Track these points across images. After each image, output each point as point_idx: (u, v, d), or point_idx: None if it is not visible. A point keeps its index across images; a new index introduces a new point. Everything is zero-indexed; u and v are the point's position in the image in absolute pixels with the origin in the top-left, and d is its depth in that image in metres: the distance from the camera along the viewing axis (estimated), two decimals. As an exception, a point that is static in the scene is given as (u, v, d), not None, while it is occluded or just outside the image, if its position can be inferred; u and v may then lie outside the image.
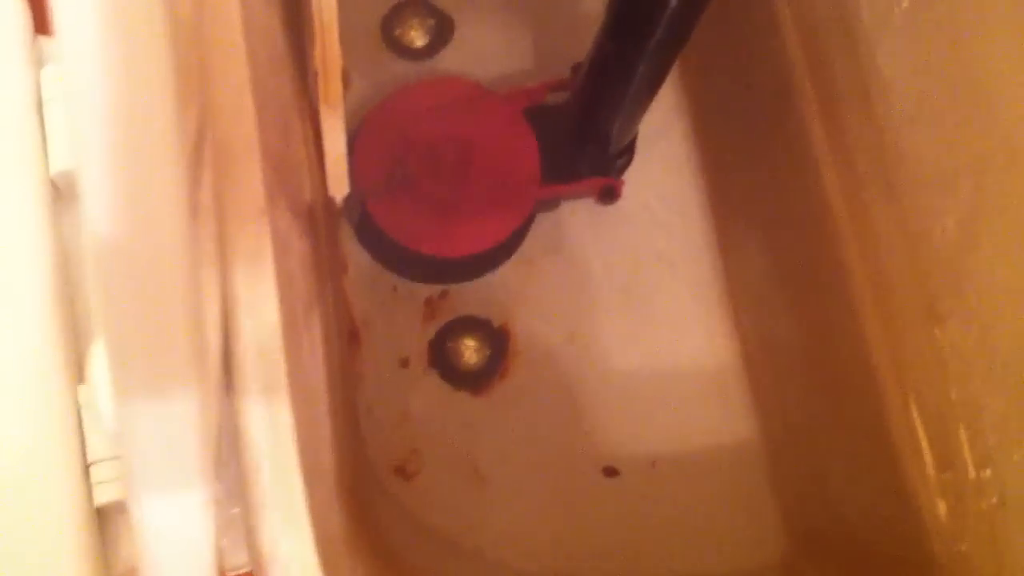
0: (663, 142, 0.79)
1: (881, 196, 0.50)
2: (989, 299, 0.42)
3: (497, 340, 0.74)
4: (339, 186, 0.55)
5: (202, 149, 0.27)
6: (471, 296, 0.75)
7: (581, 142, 0.73)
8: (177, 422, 0.25)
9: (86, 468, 0.49)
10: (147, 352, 0.25)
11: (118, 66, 0.20)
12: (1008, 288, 0.40)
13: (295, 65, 0.48)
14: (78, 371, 0.52)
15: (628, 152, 0.76)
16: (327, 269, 0.52)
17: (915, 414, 0.48)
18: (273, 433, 0.28)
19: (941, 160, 0.44)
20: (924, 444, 0.48)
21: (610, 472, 0.73)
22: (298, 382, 0.31)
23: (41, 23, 0.58)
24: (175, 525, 0.27)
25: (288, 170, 0.39)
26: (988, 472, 0.43)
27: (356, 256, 0.75)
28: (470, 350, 0.74)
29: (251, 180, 0.27)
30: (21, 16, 0.56)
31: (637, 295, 0.76)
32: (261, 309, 0.28)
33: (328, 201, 0.58)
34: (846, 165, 0.54)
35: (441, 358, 0.74)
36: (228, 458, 0.30)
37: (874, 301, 0.51)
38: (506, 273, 0.76)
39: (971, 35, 0.41)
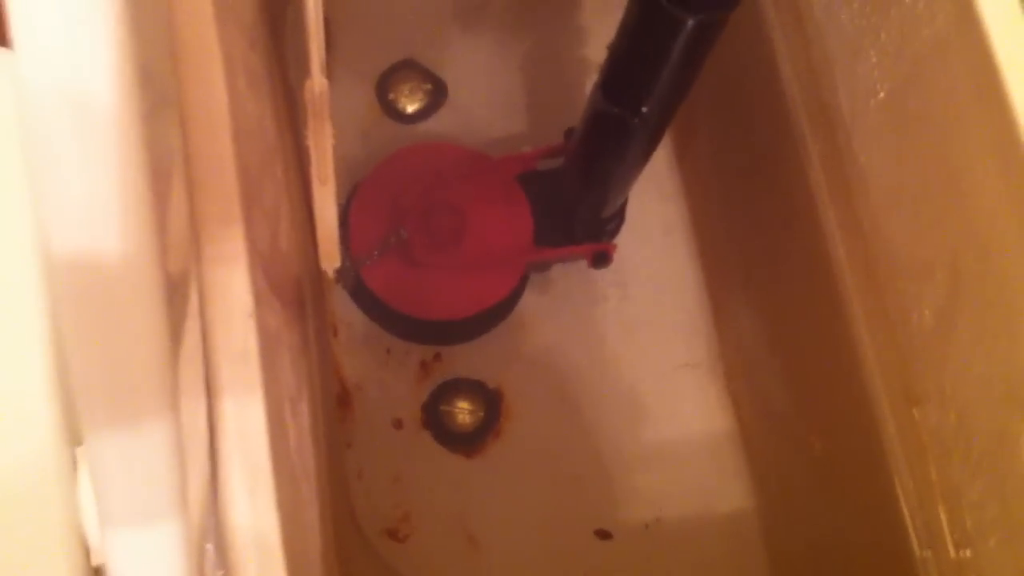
0: (654, 206, 0.81)
1: (862, 280, 0.51)
2: (965, 387, 0.42)
3: (491, 402, 0.75)
4: (331, 259, 0.56)
5: (170, 184, 0.28)
6: (465, 358, 0.76)
7: (574, 207, 0.74)
8: (148, 453, 0.26)
9: (83, 529, 0.49)
10: (113, 380, 0.25)
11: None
12: (983, 378, 0.41)
13: (287, 148, 0.49)
14: (76, 431, 0.52)
15: (619, 216, 0.77)
16: (316, 345, 0.53)
17: (899, 492, 0.49)
18: (258, 533, 0.29)
19: (917, 249, 0.45)
20: (908, 521, 0.49)
21: (603, 535, 0.73)
22: (283, 472, 0.32)
23: None
24: (146, 559, 0.27)
25: (278, 261, 0.39)
26: (967, 552, 0.44)
27: (348, 319, 0.76)
28: (464, 412, 0.75)
29: (238, 287, 0.28)
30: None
31: (629, 359, 0.77)
32: (247, 415, 0.28)
33: (319, 272, 0.59)
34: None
35: (434, 420, 0.74)
36: (215, 548, 0.31)
37: (858, 379, 0.52)
38: (500, 335, 0.77)
39: (943, 129, 0.42)
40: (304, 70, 0.52)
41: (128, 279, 0.22)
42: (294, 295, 0.45)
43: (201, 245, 0.28)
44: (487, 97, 0.83)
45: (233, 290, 0.28)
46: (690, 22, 0.46)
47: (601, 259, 0.77)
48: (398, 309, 0.73)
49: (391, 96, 0.83)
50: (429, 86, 0.83)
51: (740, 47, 0.57)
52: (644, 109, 0.54)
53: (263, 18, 0.53)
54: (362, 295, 0.75)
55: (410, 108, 0.83)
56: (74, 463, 0.51)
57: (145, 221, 0.22)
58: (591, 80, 0.80)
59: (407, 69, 0.83)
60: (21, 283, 0.53)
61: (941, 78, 0.42)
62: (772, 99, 0.57)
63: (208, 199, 0.29)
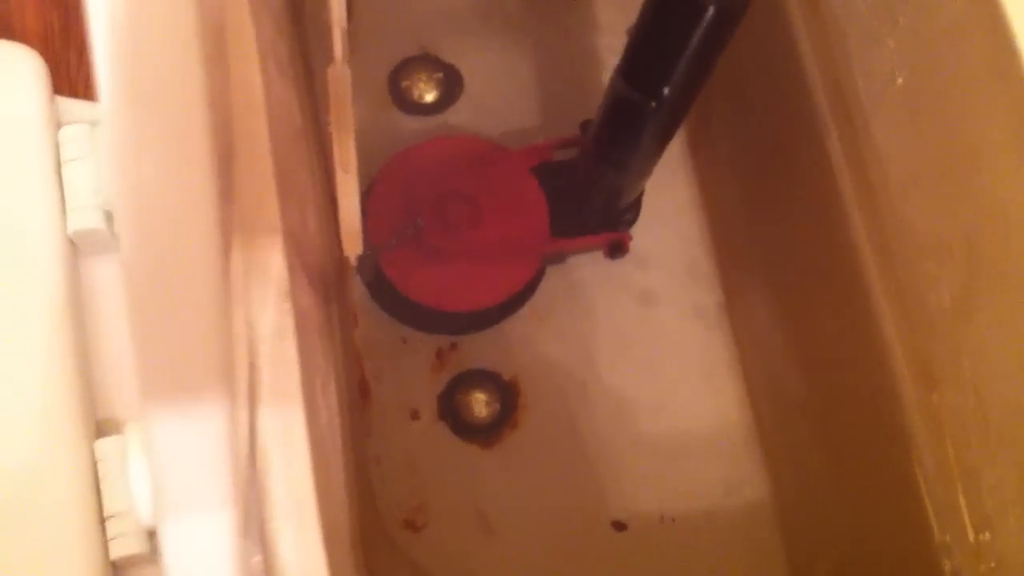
0: (670, 196, 0.81)
1: (880, 261, 0.51)
2: (983, 368, 0.43)
3: (507, 393, 0.75)
4: (354, 246, 0.56)
5: (231, 168, 0.28)
6: (481, 349, 0.76)
7: (590, 197, 0.75)
8: (205, 440, 0.27)
9: (102, 522, 0.50)
10: (175, 368, 0.26)
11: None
12: (1002, 359, 0.41)
13: (310, 134, 0.50)
14: (95, 425, 0.53)
15: (635, 206, 0.77)
16: (339, 329, 0.54)
17: (918, 476, 0.49)
18: (296, 505, 0.29)
19: (936, 228, 0.45)
20: (928, 505, 0.49)
21: (619, 526, 0.73)
22: (316, 451, 0.32)
23: (59, 84, 0.60)
24: (201, 547, 0.28)
25: (307, 242, 0.40)
26: (987, 535, 0.44)
27: (366, 309, 0.77)
28: (480, 403, 0.75)
29: (275, 265, 0.29)
30: (41, 78, 0.58)
31: (646, 351, 0.77)
32: (284, 393, 0.29)
33: (341, 259, 0.60)
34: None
35: (451, 410, 0.75)
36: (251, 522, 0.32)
37: (877, 361, 0.52)
38: (516, 326, 0.77)
39: (961, 111, 0.42)
40: (327, 56, 0.52)
41: (191, 264, 0.22)
42: (320, 279, 0.46)
43: (238, 221, 0.29)
44: (503, 88, 0.83)
45: (271, 268, 0.29)
46: (711, 8, 0.46)
47: (617, 249, 0.78)
48: (414, 299, 0.73)
49: (406, 86, 0.83)
50: (444, 76, 0.83)
51: (758, 31, 0.57)
52: (664, 92, 0.54)
53: (287, 3, 0.54)
54: (378, 286, 0.76)
55: (426, 98, 0.83)
56: (92, 458, 0.51)
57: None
58: (607, 72, 0.80)
59: (422, 59, 0.84)
60: (40, 277, 0.53)
61: (959, 61, 0.42)
62: (790, 82, 0.57)
63: (245, 175, 0.29)
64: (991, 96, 0.41)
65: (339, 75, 0.51)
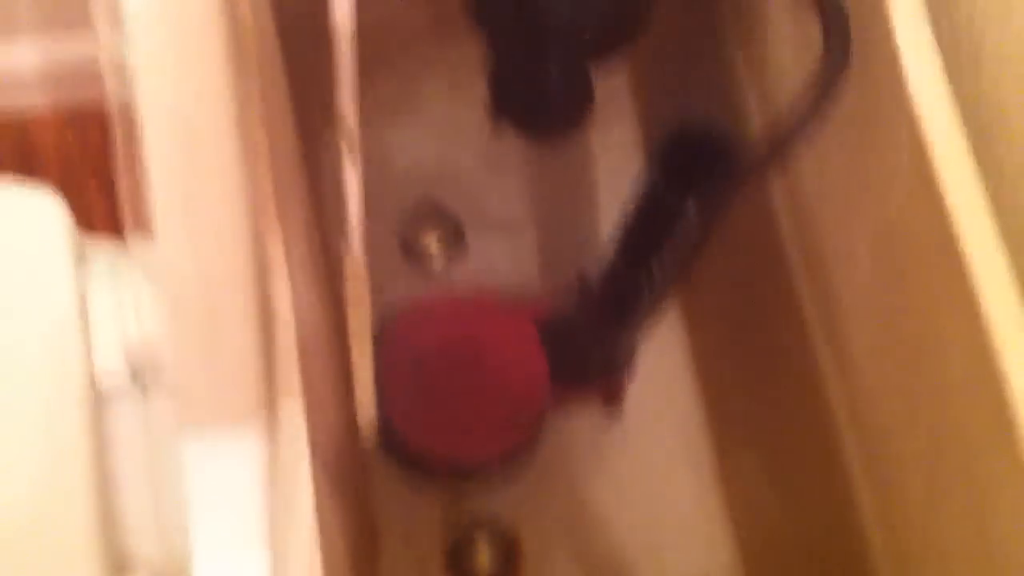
0: (664, 355, 0.84)
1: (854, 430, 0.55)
2: (952, 556, 0.46)
3: (509, 545, 0.78)
4: (367, 412, 0.60)
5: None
6: (485, 502, 0.79)
7: (587, 351, 0.78)
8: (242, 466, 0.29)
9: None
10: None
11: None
12: (968, 549, 0.44)
13: (328, 326, 0.54)
14: (121, 560, 0.55)
15: (630, 360, 0.81)
16: (354, 498, 0.57)
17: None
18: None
19: (898, 408, 0.49)
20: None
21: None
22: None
23: (79, 210, 0.62)
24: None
25: (326, 430, 0.43)
26: None
27: (377, 463, 0.79)
28: (484, 556, 0.78)
29: (301, 481, 0.32)
30: (64, 222, 0.60)
31: (641, 497, 0.80)
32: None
33: (356, 424, 0.63)
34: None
35: (456, 564, 0.77)
36: None
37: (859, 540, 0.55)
38: (518, 476, 0.80)
39: (922, 317, 0.47)
40: (344, 241, 0.57)
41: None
42: (334, 455, 0.49)
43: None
44: (504, 239, 0.87)
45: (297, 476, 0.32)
46: (685, 210, 0.51)
47: (613, 400, 0.81)
48: (419, 450, 0.76)
49: (412, 238, 0.87)
50: (449, 228, 0.87)
51: (746, 220, 0.62)
52: (653, 271, 0.59)
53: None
54: (386, 438, 0.79)
55: (431, 249, 0.87)
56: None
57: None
58: (604, 226, 0.85)
59: (429, 212, 0.88)
60: (64, 420, 0.56)
61: (919, 273, 0.47)
62: (773, 264, 0.62)
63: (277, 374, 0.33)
64: (947, 309, 0.45)
65: (356, 266, 0.56)
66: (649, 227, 0.55)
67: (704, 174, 0.49)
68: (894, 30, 0.46)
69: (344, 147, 0.56)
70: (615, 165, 0.88)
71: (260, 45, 0.43)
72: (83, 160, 0.98)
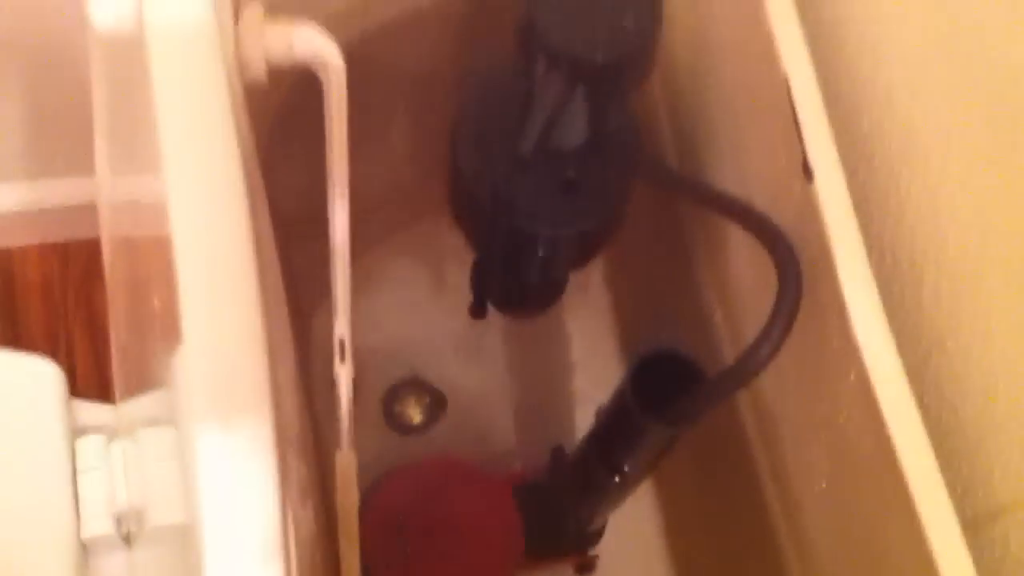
0: (634, 517, 0.88)
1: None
2: None
3: None
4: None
5: None
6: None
7: (561, 520, 0.82)
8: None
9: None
10: None
11: None
12: None
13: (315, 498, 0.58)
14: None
15: (601, 529, 0.85)
16: None
17: None
18: None
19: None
20: None
21: None
22: None
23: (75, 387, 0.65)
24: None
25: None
26: None
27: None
28: None
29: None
30: (58, 388, 0.63)
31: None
32: None
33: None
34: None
35: None
36: None
37: None
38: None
39: (871, 526, 0.51)
40: (335, 439, 0.61)
41: None
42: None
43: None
44: (483, 410, 0.92)
45: None
46: (655, 427, 0.55)
47: (586, 568, 0.85)
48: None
49: (397, 409, 0.91)
50: (431, 399, 0.92)
51: (719, 428, 0.67)
52: (625, 469, 0.63)
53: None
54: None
55: (414, 419, 0.91)
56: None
57: None
58: (578, 401, 0.90)
59: (412, 384, 0.92)
60: None
61: (867, 485, 0.51)
62: (742, 468, 0.66)
63: None
64: (893, 523, 0.49)
65: (346, 460, 0.60)
66: (620, 436, 0.59)
67: (673, 398, 0.54)
68: (837, 268, 0.51)
69: (337, 353, 0.60)
70: (588, 346, 0.93)
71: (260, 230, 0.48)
72: (64, 294, 1.01)
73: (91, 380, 0.98)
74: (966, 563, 0.48)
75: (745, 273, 0.61)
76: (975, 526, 0.54)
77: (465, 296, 0.77)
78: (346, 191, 0.54)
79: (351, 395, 0.60)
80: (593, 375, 0.91)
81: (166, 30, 0.38)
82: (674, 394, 0.54)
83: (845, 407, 0.52)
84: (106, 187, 0.59)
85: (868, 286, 0.51)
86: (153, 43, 0.37)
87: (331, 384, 0.62)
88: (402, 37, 0.70)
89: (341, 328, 0.57)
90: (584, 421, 0.79)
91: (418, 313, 0.93)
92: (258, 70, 0.50)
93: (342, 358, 0.58)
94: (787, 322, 0.49)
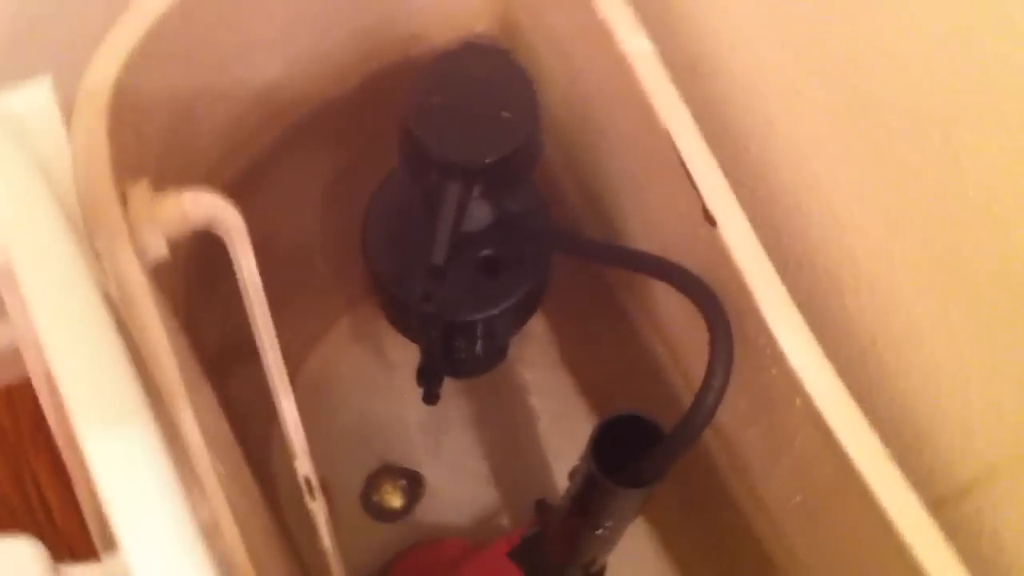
0: (632, 558, 0.89)
1: None
2: None
3: None
4: None
5: None
6: None
7: (560, 571, 0.83)
8: None
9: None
10: None
11: None
12: None
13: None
14: None
15: (601, 570, 0.86)
16: None
17: None
18: None
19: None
20: None
21: None
22: None
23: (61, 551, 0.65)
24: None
25: None
26: None
27: None
28: None
29: None
30: (41, 564, 0.62)
31: None
32: None
33: None
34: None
35: None
36: None
37: None
38: None
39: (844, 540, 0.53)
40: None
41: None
42: None
43: None
44: (460, 482, 0.92)
45: None
46: (623, 491, 0.57)
47: (593, 609, 0.86)
48: None
49: (376, 499, 0.92)
50: (407, 482, 0.92)
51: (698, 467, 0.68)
52: (607, 524, 0.64)
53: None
54: None
55: (394, 504, 0.92)
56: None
57: None
58: (555, 458, 0.91)
59: (386, 470, 0.93)
60: None
61: (832, 508, 0.53)
62: (717, 494, 0.68)
63: None
64: (871, 544, 0.51)
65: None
66: (593, 499, 0.60)
67: (637, 456, 0.55)
68: (759, 305, 0.52)
69: (306, 492, 0.61)
70: (554, 400, 0.94)
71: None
72: (19, 436, 1.00)
73: (69, 515, 0.97)
74: (938, 541, 0.49)
75: (677, 310, 0.63)
76: (949, 505, 0.56)
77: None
78: (275, 341, 0.55)
79: (331, 529, 0.61)
80: (564, 429, 0.93)
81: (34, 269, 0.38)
82: (639, 452, 0.55)
83: (800, 429, 0.53)
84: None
85: (792, 317, 0.52)
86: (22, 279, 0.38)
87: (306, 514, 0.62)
88: (291, 157, 0.70)
89: (303, 467, 0.58)
90: (562, 473, 0.81)
91: (375, 400, 0.94)
92: (158, 249, 0.50)
93: (312, 495, 0.59)
94: (725, 368, 0.50)
